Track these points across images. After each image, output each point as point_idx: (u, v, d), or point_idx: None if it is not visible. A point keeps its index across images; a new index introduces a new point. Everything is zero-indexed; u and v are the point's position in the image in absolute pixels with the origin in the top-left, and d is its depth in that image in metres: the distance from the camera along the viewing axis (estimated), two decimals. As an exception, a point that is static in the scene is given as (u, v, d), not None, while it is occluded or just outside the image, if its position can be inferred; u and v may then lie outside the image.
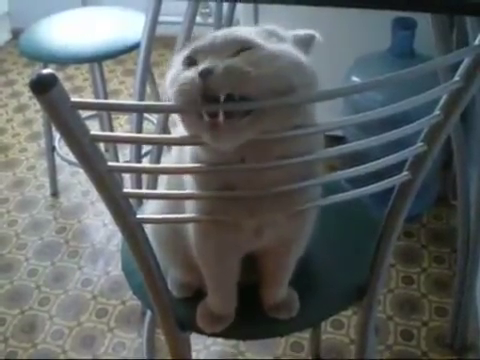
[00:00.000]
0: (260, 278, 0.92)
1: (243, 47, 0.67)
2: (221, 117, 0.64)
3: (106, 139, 1.12)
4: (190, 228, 0.85)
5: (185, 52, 0.71)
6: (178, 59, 0.71)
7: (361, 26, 1.92)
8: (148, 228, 0.85)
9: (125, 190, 0.74)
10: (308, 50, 0.73)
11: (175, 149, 0.86)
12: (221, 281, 0.89)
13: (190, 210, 0.80)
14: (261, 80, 0.65)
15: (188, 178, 0.79)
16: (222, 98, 0.63)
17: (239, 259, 0.87)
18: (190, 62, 0.69)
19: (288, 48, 0.69)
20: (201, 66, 0.65)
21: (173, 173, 0.84)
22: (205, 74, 0.64)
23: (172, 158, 0.86)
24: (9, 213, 2.15)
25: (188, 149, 0.77)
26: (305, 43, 0.73)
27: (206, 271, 0.88)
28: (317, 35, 0.74)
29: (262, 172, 0.73)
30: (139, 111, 1.36)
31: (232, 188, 0.74)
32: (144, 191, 1.04)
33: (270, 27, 0.73)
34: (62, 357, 1.61)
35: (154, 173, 1.43)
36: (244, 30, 0.71)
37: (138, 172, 1.53)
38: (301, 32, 0.74)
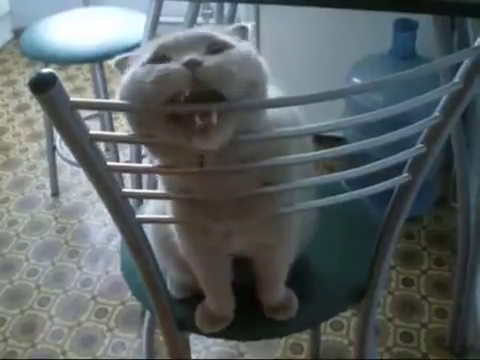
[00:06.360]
0: (256, 280, 0.91)
1: (216, 44, 0.66)
2: (214, 117, 0.63)
3: (105, 139, 1.12)
4: (173, 229, 0.85)
5: (148, 51, 0.68)
6: (138, 58, 0.69)
7: (362, 27, 1.92)
8: (148, 228, 0.85)
9: (124, 190, 0.74)
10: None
11: None
12: (211, 281, 0.90)
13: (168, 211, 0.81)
14: (240, 78, 0.64)
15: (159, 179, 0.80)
16: (187, 94, 0.62)
17: (226, 260, 0.87)
18: (158, 58, 0.66)
19: (249, 46, 0.69)
20: (186, 58, 0.63)
21: (171, 174, 0.84)
22: (192, 65, 0.62)
23: None
24: (9, 213, 2.15)
25: None
26: (242, 35, 0.72)
27: (195, 271, 0.88)
28: (249, 27, 0.73)
29: (219, 177, 0.72)
30: (135, 111, 1.35)
31: (191, 192, 0.74)
32: (142, 191, 1.04)
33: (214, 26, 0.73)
34: (61, 357, 1.61)
35: (152, 173, 1.42)
36: (208, 28, 0.70)
37: (136, 172, 1.53)
38: (236, 25, 0.73)
